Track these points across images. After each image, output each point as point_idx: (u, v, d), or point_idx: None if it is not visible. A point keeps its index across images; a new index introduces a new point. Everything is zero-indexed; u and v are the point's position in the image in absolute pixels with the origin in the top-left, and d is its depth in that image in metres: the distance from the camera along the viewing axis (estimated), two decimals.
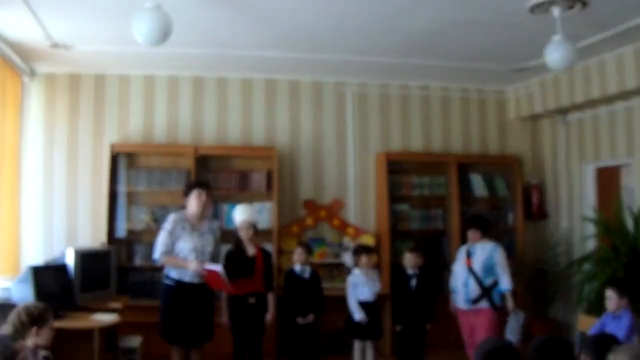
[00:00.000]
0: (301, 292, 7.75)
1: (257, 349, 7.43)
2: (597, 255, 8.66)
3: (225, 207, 9.22)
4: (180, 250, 6.97)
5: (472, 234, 7.92)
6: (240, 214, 7.51)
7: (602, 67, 8.46)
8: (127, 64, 9.14)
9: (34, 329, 4.79)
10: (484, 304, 7.61)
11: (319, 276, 8.10)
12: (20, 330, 4.73)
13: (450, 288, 8.10)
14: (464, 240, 8.42)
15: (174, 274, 6.99)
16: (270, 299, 7.50)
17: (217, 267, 6.81)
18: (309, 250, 8.07)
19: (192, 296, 6.93)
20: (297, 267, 7.86)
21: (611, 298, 6.40)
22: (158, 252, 6.99)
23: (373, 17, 7.05)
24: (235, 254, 7.37)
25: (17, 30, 7.32)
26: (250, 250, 7.43)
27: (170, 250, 6.95)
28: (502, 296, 7.72)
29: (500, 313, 7.71)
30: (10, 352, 4.07)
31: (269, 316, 7.44)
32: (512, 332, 7.69)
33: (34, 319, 4.83)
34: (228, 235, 7.86)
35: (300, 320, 7.64)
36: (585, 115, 9.71)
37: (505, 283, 7.68)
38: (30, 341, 4.74)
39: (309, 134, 9.97)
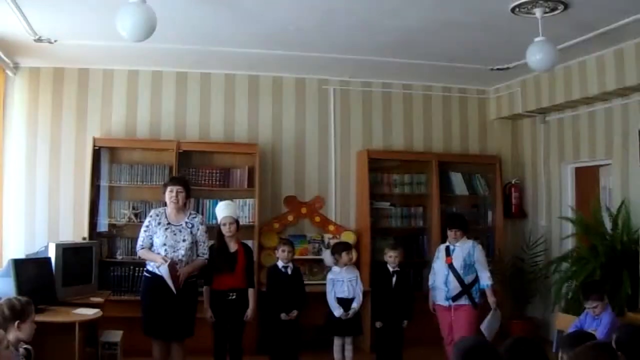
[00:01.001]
0: (284, 288, 7.76)
1: (237, 344, 7.46)
2: (576, 254, 8.72)
3: (207, 202, 9.24)
4: (154, 245, 7.08)
5: (453, 234, 7.93)
6: (223, 210, 7.54)
7: (582, 68, 8.55)
8: (110, 59, 9.11)
9: (15, 323, 4.76)
10: (464, 301, 7.67)
11: (300, 272, 8.14)
12: (2, 324, 4.69)
13: (430, 285, 8.14)
14: (444, 239, 8.46)
15: (151, 267, 7.05)
16: (251, 294, 7.53)
17: (164, 271, 6.89)
18: (293, 247, 8.07)
19: (170, 290, 6.95)
20: (280, 263, 7.87)
21: (596, 306, 6.42)
22: (137, 246, 7.19)
23: (357, 16, 7.08)
24: (217, 250, 7.40)
25: (1, 24, 7.27)
26: (232, 246, 7.46)
27: (148, 245, 7.10)
28: (482, 293, 7.80)
29: (479, 310, 7.77)
30: None
31: (250, 312, 7.48)
32: (489, 327, 7.73)
33: (16, 312, 4.80)
34: (210, 230, 7.87)
35: (283, 316, 7.66)
36: (565, 115, 9.79)
37: (485, 279, 7.75)
38: (12, 335, 4.70)
39: (291, 130, 10.01)
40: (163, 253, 6.95)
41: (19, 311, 4.83)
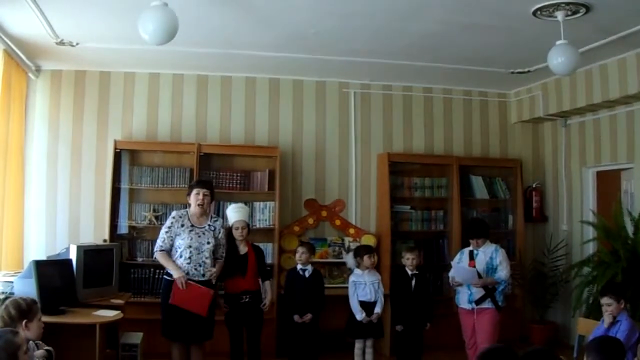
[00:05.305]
0: (300, 290, 7.79)
1: (255, 346, 7.49)
2: (597, 259, 8.66)
3: (227, 205, 9.21)
4: (178, 246, 7.06)
5: (474, 242, 7.87)
6: (235, 214, 7.60)
7: (604, 71, 8.50)
8: (132, 62, 9.15)
9: (23, 323, 4.78)
10: (487, 304, 7.62)
11: (321, 275, 8.17)
12: (10, 325, 4.69)
13: (451, 277, 7.99)
14: (464, 242, 8.41)
15: None
16: (267, 286, 7.63)
17: (208, 290, 6.96)
18: (310, 249, 8.08)
19: None
20: (299, 266, 7.89)
21: (610, 304, 6.38)
22: (156, 247, 7.14)
23: (377, 20, 7.08)
24: (227, 252, 7.42)
25: (23, 27, 7.33)
26: (242, 248, 7.52)
27: (168, 247, 7.07)
28: (505, 297, 7.80)
29: (502, 314, 7.73)
30: (13, 347, 4.08)
31: (267, 302, 7.52)
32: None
33: (22, 312, 4.81)
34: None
35: (296, 318, 7.68)
36: (586, 118, 9.74)
37: (503, 274, 7.65)
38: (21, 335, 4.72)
39: (311, 133, 10.01)
40: (188, 255, 6.96)
41: (25, 310, 4.85)
